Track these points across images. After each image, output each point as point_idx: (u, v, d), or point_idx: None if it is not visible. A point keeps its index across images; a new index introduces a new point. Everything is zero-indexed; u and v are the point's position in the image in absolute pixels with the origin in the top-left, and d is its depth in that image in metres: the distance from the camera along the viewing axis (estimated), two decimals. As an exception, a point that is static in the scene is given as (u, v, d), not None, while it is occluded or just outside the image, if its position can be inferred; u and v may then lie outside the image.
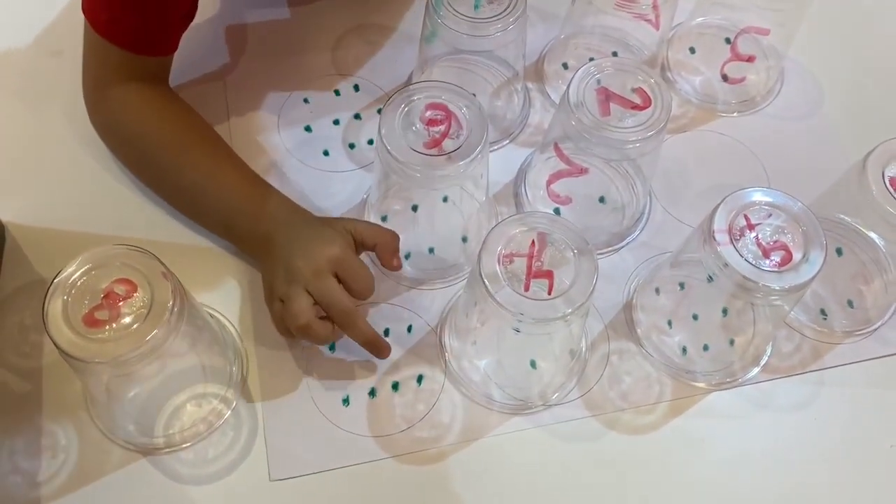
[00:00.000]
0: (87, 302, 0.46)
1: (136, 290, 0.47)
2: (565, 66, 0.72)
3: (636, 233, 0.65)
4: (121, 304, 0.46)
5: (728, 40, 0.71)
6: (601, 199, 0.65)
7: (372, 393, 0.57)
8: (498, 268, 0.49)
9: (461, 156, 0.53)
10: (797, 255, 0.50)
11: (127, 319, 0.46)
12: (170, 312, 0.46)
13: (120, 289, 0.47)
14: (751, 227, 0.51)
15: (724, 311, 0.59)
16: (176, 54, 0.63)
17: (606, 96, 0.55)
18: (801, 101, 0.72)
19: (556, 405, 0.57)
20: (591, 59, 0.70)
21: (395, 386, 0.57)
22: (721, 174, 0.68)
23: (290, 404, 0.56)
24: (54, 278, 0.47)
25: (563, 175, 0.59)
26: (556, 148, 0.58)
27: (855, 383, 0.59)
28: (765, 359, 0.60)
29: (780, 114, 0.71)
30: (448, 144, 0.54)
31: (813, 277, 0.49)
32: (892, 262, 0.62)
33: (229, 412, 0.56)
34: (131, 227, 0.62)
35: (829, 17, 0.76)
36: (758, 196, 0.52)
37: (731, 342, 0.60)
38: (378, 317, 0.60)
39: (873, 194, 0.53)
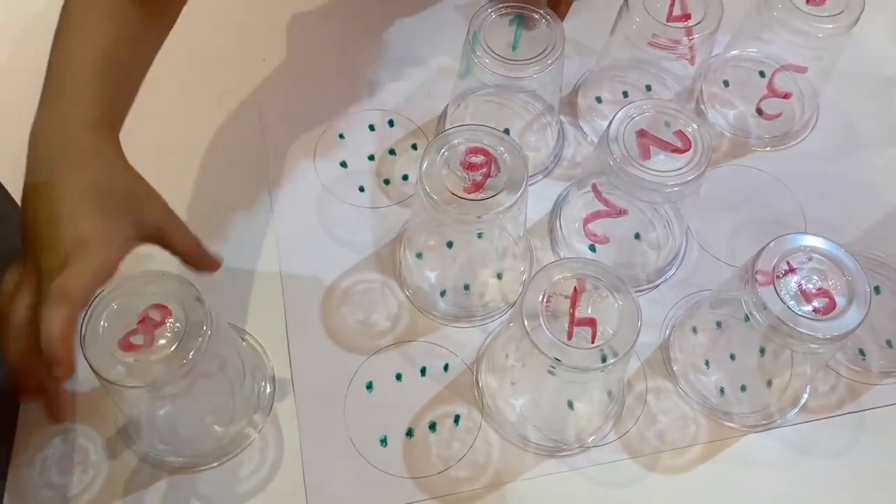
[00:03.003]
0: (122, 326, 0.47)
1: (170, 315, 0.48)
2: (599, 99, 0.72)
3: (672, 270, 0.65)
4: (155, 329, 0.47)
5: (762, 74, 0.71)
6: (637, 236, 0.65)
7: (409, 433, 0.57)
8: (542, 315, 0.49)
9: (502, 201, 0.53)
10: (841, 303, 0.50)
11: (162, 342, 0.47)
12: (203, 338, 0.47)
13: (155, 314, 0.48)
14: (792, 270, 0.51)
15: (762, 352, 0.58)
16: (213, 91, 0.62)
17: (646, 139, 0.55)
18: (837, 136, 0.71)
19: (592, 447, 0.57)
20: (625, 93, 0.72)
21: (433, 426, 0.58)
22: (757, 210, 0.67)
23: (329, 441, 0.57)
24: (91, 303, 0.47)
25: (601, 215, 0.59)
26: (595, 189, 0.58)
27: (894, 426, 0.59)
28: (803, 401, 0.59)
29: (816, 149, 0.70)
30: (489, 188, 0.54)
31: (853, 329, 0.49)
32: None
33: (256, 435, 0.57)
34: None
35: (866, 53, 0.75)
36: (804, 240, 0.52)
37: (769, 383, 0.59)
38: (415, 355, 0.60)
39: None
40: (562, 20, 0.75)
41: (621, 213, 0.58)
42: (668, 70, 0.70)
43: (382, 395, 0.58)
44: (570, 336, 0.49)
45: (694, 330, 0.61)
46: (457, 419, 0.58)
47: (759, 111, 0.71)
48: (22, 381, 0.46)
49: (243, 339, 0.59)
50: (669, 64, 0.69)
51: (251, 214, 0.65)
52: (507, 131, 0.68)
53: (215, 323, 0.49)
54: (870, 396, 0.60)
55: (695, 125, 0.55)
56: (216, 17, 0.75)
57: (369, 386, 0.58)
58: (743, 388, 0.59)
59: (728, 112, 0.72)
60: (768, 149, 0.71)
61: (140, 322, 0.48)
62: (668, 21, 0.61)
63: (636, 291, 0.63)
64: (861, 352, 0.61)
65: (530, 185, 0.68)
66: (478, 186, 0.53)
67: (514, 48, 0.60)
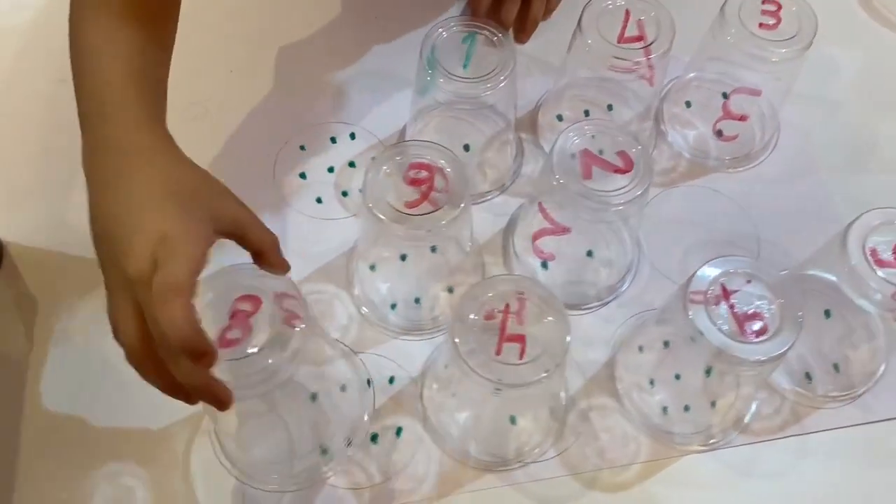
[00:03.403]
0: (215, 325, 0.45)
1: (260, 304, 0.47)
2: (559, 117, 0.73)
3: (623, 288, 0.65)
4: (249, 319, 0.46)
5: (725, 95, 0.71)
6: (589, 254, 0.65)
7: (349, 444, 0.58)
8: (470, 331, 0.50)
9: (443, 215, 0.54)
10: (773, 327, 0.50)
11: (259, 333, 0.46)
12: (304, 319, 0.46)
13: (245, 305, 0.47)
14: (726, 294, 0.51)
15: (708, 372, 0.59)
16: (180, 100, 0.63)
17: (589, 159, 0.56)
18: (796, 158, 0.72)
19: (531, 463, 0.58)
20: (586, 112, 0.73)
21: (374, 438, 0.58)
22: (711, 231, 0.68)
23: (268, 448, 0.57)
24: None
25: (546, 233, 0.60)
26: (541, 207, 0.59)
27: (835, 451, 0.59)
28: (745, 422, 0.60)
29: (774, 171, 0.71)
30: (431, 203, 0.54)
31: (782, 353, 0.49)
32: (881, 328, 0.62)
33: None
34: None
35: (824, 75, 0.76)
36: (738, 264, 0.52)
37: (713, 404, 0.60)
38: (361, 366, 0.61)
39: (852, 265, 0.53)
40: (526, 40, 0.76)
41: (565, 230, 0.58)
42: (629, 89, 0.70)
43: (327, 405, 0.59)
44: (498, 352, 0.49)
45: (641, 349, 0.61)
46: (399, 431, 0.58)
47: (719, 133, 0.71)
48: (174, 395, 0.44)
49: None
50: (630, 83, 0.69)
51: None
52: (466, 147, 0.70)
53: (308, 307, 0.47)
54: (813, 420, 0.60)
55: (638, 146, 0.56)
56: (183, 28, 0.76)
57: (313, 397, 0.59)
58: (686, 408, 0.60)
59: (688, 133, 0.72)
60: (728, 170, 0.71)
61: (232, 317, 0.46)
62: (619, 42, 0.62)
63: (586, 309, 0.64)
64: (808, 375, 0.62)
65: (487, 200, 0.69)
66: (419, 202, 0.54)
67: (464, 66, 0.61)
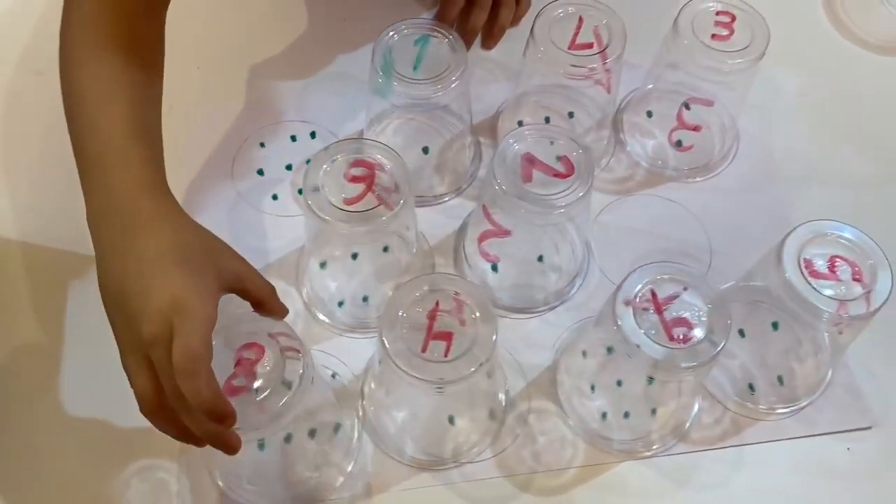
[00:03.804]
0: (221, 373, 0.46)
1: (263, 353, 0.49)
2: (520, 123, 0.73)
3: (571, 293, 0.65)
4: (253, 366, 0.48)
5: (687, 106, 0.72)
6: (540, 259, 0.65)
7: (288, 438, 0.58)
8: (398, 327, 0.50)
9: (382, 212, 0.54)
10: (699, 334, 0.50)
11: (260, 384, 0.48)
12: (298, 374, 0.48)
13: (249, 353, 0.49)
14: (656, 302, 0.51)
15: (650, 380, 0.59)
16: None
17: (531, 162, 0.56)
18: (754, 169, 0.72)
19: (467, 463, 0.58)
20: (547, 119, 0.73)
21: (312, 433, 0.58)
22: (663, 240, 0.68)
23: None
24: None
25: (490, 235, 0.60)
26: (484, 209, 0.59)
27: (774, 463, 0.59)
28: (684, 431, 0.59)
29: (730, 182, 0.71)
30: (370, 200, 0.55)
31: (706, 361, 0.49)
32: (827, 341, 0.62)
33: (341, 459, 0.57)
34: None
35: (781, 86, 0.76)
36: (668, 270, 0.52)
37: (653, 412, 0.60)
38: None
39: (786, 277, 0.53)
40: (494, 46, 0.77)
41: (506, 233, 0.59)
42: (588, 96, 0.71)
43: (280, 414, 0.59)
44: (424, 349, 0.49)
45: (584, 354, 0.62)
46: (337, 428, 0.59)
47: (678, 143, 0.72)
48: (186, 441, 0.47)
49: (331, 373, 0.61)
50: (589, 90, 0.70)
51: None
52: (425, 150, 0.70)
53: (306, 359, 0.49)
54: (753, 432, 0.60)
55: (579, 150, 0.56)
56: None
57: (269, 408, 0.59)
58: (626, 415, 0.60)
59: (647, 142, 0.72)
60: (687, 180, 0.71)
61: (237, 365, 0.48)
62: (571, 49, 0.62)
63: (533, 313, 0.65)
64: (751, 386, 0.61)
65: (443, 202, 0.70)
66: (359, 198, 0.55)
67: (414, 68, 0.61)
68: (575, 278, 0.65)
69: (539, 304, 0.65)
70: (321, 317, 0.63)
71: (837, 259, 0.53)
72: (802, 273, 0.53)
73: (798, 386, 0.61)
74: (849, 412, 0.61)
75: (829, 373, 0.62)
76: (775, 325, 0.63)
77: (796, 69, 0.78)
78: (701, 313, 0.51)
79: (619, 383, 0.60)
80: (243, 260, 0.52)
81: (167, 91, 0.73)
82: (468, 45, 0.77)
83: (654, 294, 0.51)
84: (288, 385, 0.48)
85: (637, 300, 0.51)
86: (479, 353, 0.50)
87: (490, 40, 0.77)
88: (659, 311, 0.51)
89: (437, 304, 0.51)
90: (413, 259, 0.65)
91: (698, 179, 0.71)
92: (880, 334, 0.63)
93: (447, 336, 0.50)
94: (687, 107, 0.71)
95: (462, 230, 0.68)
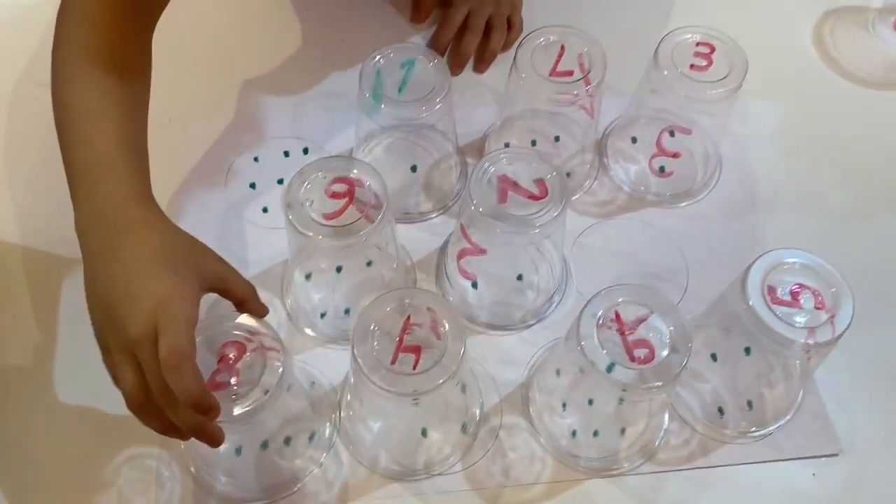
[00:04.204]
0: (205, 369, 0.49)
1: (245, 351, 0.52)
2: (507, 145, 0.75)
3: (548, 312, 0.67)
4: (235, 364, 0.51)
5: (672, 133, 0.73)
6: (519, 277, 0.67)
7: (264, 445, 0.60)
8: (370, 340, 0.52)
9: (357, 228, 0.56)
10: (660, 355, 0.52)
11: (240, 379, 0.51)
12: (278, 373, 0.51)
13: (231, 350, 0.52)
14: (620, 323, 0.53)
15: (621, 400, 0.60)
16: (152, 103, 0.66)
17: (506, 184, 0.58)
18: (735, 197, 0.73)
19: (438, 475, 0.59)
20: (533, 142, 0.75)
21: (288, 441, 0.60)
22: (642, 263, 0.69)
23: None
24: None
25: (466, 253, 0.62)
26: (462, 228, 0.61)
27: (739, 486, 0.60)
28: (652, 451, 0.61)
29: (711, 209, 0.72)
30: (348, 217, 0.57)
31: (668, 382, 0.50)
32: (798, 368, 0.63)
33: (315, 468, 0.59)
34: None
35: (771, 115, 0.78)
36: (636, 294, 0.54)
37: (623, 431, 0.61)
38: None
39: (750, 304, 0.54)
40: (485, 70, 0.79)
41: (482, 252, 0.60)
42: (573, 121, 0.72)
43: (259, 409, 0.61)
44: (393, 361, 0.51)
45: (558, 372, 0.63)
46: (312, 436, 0.60)
47: (661, 169, 0.73)
48: (171, 435, 0.50)
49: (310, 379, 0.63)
50: (574, 115, 0.71)
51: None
52: (413, 168, 0.72)
53: (287, 358, 0.52)
54: (720, 454, 0.61)
55: (553, 173, 0.58)
56: (155, 42, 0.81)
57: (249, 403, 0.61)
58: (596, 433, 0.61)
59: (630, 167, 0.74)
60: (668, 205, 0.73)
61: (220, 361, 0.51)
62: (551, 76, 0.64)
63: (510, 330, 0.66)
64: (720, 410, 0.62)
65: (429, 219, 0.72)
66: (338, 213, 0.57)
67: (399, 90, 0.63)
68: (552, 298, 0.67)
69: (516, 322, 0.66)
70: (303, 327, 0.65)
71: (800, 287, 0.54)
72: (765, 300, 0.54)
73: (767, 411, 0.62)
74: (816, 438, 0.62)
75: (799, 399, 0.63)
76: (748, 351, 0.64)
77: (784, 99, 0.79)
78: (664, 336, 0.52)
79: (590, 402, 0.61)
80: (224, 262, 0.55)
81: (167, 104, 0.76)
82: (460, 68, 0.80)
83: (618, 315, 0.53)
84: (267, 382, 0.50)
85: (601, 321, 0.52)
86: (447, 366, 0.51)
87: (482, 64, 0.79)
88: (622, 332, 0.52)
89: (408, 318, 0.53)
90: (395, 274, 0.66)
91: (680, 205, 0.73)
92: (850, 363, 0.64)
93: (416, 349, 0.52)
94: (671, 134, 0.73)
95: (444, 248, 0.69)
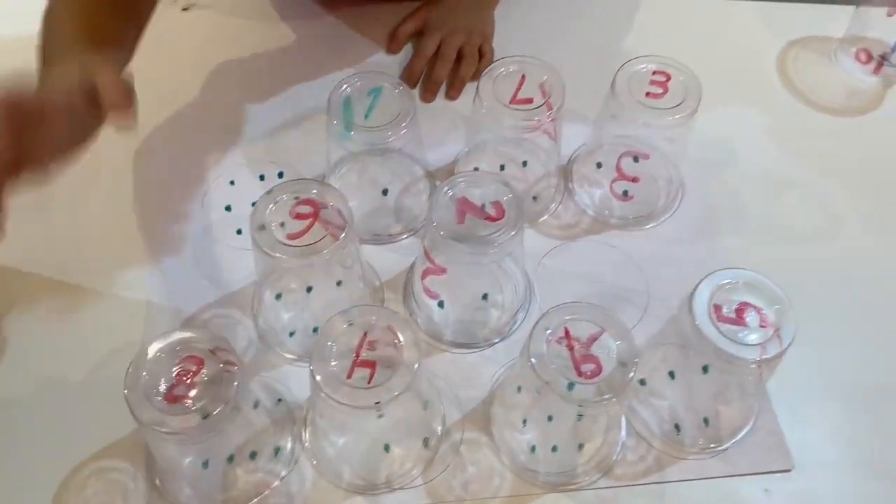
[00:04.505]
0: (163, 381, 0.52)
1: (202, 366, 0.53)
2: (476, 170, 0.77)
3: (512, 330, 0.69)
4: (193, 378, 0.53)
5: (636, 159, 0.76)
6: (484, 297, 0.69)
7: (230, 459, 0.61)
8: (327, 357, 0.54)
9: (320, 248, 0.58)
10: (607, 370, 0.53)
11: (198, 392, 0.52)
12: (234, 385, 0.53)
13: (189, 365, 0.53)
14: (569, 339, 0.54)
15: (580, 417, 0.61)
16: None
17: (464, 207, 0.60)
18: (696, 221, 0.75)
19: (399, 489, 0.61)
20: (502, 167, 0.77)
21: (253, 455, 0.62)
22: (603, 284, 0.71)
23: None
24: (131, 364, 0.53)
25: (429, 273, 0.64)
26: (424, 248, 0.63)
27: (693, 501, 0.61)
28: (609, 467, 0.62)
29: (673, 232, 0.74)
30: (315, 234, 0.59)
31: (613, 396, 0.52)
32: (754, 386, 0.65)
33: (277, 482, 0.61)
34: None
35: (734, 141, 0.80)
36: (586, 312, 0.56)
37: (581, 447, 0.62)
38: (253, 388, 0.65)
39: (696, 323, 0.56)
40: (456, 97, 0.82)
41: (442, 271, 0.62)
42: (540, 147, 0.75)
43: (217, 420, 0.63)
44: (349, 376, 0.53)
45: (518, 389, 0.65)
46: (277, 451, 0.62)
47: (625, 193, 0.75)
48: None
49: (268, 388, 0.65)
50: (539, 140, 0.74)
51: (132, 248, 0.72)
52: (385, 192, 0.75)
53: (243, 372, 0.54)
54: (676, 470, 0.62)
55: (510, 195, 0.61)
56: (141, 71, 0.84)
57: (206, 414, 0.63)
58: (554, 449, 0.62)
59: (595, 191, 0.76)
60: (631, 228, 0.75)
61: (178, 374, 0.53)
62: (511, 103, 0.67)
63: (475, 348, 0.68)
64: (677, 426, 0.64)
65: (399, 241, 0.74)
66: (302, 234, 0.59)
67: (366, 116, 0.66)
68: (516, 316, 0.69)
69: (480, 341, 0.68)
70: (273, 346, 0.67)
71: (744, 305, 0.56)
72: (711, 319, 0.56)
73: (723, 428, 0.64)
74: (770, 455, 0.63)
75: (754, 416, 0.65)
76: (705, 369, 0.65)
77: (747, 125, 0.82)
78: (612, 352, 0.54)
79: (549, 418, 0.63)
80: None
81: (147, 130, 0.79)
82: (433, 95, 0.83)
83: (567, 332, 0.55)
84: (224, 396, 0.52)
85: (550, 337, 0.54)
86: (402, 379, 0.53)
87: (452, 91, 0.82)
88: (570, 347, 0.54)
89: (365, 334, 0.55)
90: (364, 294, 0.68)
91: (643, 228, 0.75)
92: (804, 382, 0.66)
93: (372, 364, 0.54)
94: (636, 159, 0.75)
95: (412, 268, 0.71)
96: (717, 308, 0.56)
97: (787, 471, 0.62)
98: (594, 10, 0.92)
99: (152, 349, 0.53)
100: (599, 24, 0.91)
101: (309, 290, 0.68)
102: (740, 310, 0.56)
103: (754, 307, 0.56)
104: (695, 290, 0.57)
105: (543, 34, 0.89)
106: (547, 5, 0.92)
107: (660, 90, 0.67)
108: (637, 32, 0.90)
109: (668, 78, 0.68)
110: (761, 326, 0.56)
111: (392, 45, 0.86)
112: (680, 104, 0.67)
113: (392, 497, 0.61)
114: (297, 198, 0.60)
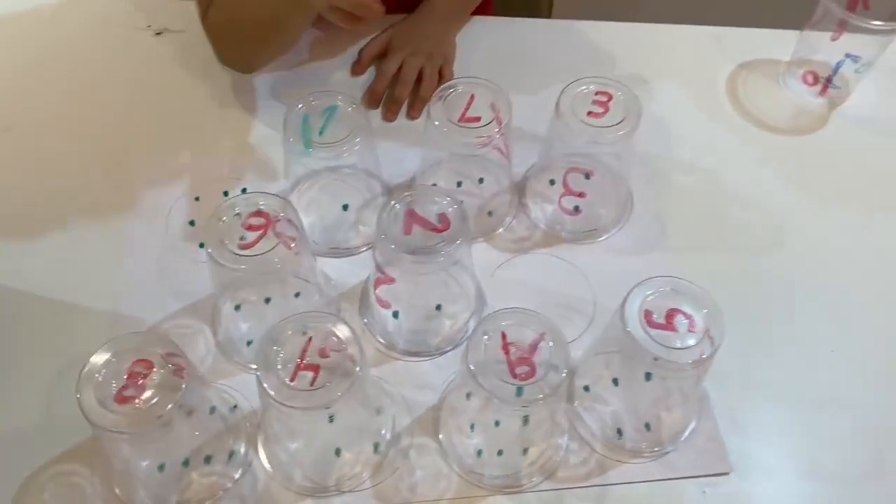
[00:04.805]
0: (114, 383, 0.55)
1: (153, 369, 0.56)
2: (434, 185, 0.80)
3: (463, 339, 0.71)
4: (143, 380, 0.55)
5: (587, 176, 0.79)
6: (438, 308, 0.72)
7: (186, 463, 0.63)
8: (272, 361, 0.56)
9: (268, 258, 0.61)
10: (540, 372, 0.56)
11: (148, 394, 0.55)
12: (182, 388, 0.55)
13: (140, 368, 0.56)
14: (505, 343, 0.57)
15: (526, 421, 0.64)
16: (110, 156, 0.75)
17: (412, 218, 0.63)
18: (643, 235, 0.78)
19: (347, 492, 0.63)
20: (459, 183, 0.80)
21: (208, 459, 0.64)
22: (552, 295, 0.74)
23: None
24: (84, 367, 0.56)
25: (380, 282, 0.66)
26: (375, 260, 0.66)
27: (634, 503, 0.63)
28: (552, 469, 0.64)
29: (620, 245, 0.77)
30: (266, 244, 0.62)
31: (545, 395, 0.55)
32: (694, 392, 0.67)
33: (230, 484, 0.63)
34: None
35: (683, 158, 0.83)
36: (523, 317, 0.58)
37: (525, 451, 0.64)
38: (209, 394, 0.67)
39: (628, 329, 0.58)
40: (417, 116, 0.85)
41: (391, 280, 0.65)
42: (493, 163, 0.78)
43: (175, 428, 0.65)
44: (292, 378, 0.55)
45: (468, 395, 0.67)
46: (231, 455, 0.64)
47: (576, 208, 0.78)
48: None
49: (224, 394, 0.67)
50: (493, 157, 0.77)
51: (99, 258, 0.75)
52: (345, 207, 0.78)
53: (191, 376, 0.56)
54: (617, 473, 0.64)
55: (455, 206, 0.63)
56: (111, 94, 0.88)
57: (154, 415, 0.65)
58: (500, 453, 0.64)
59: (547, 207, 0.79)
60: (581, 242, 0.77)
61: (128, 377, 0.55)
62: (459, 122, 0.70)
63: (426, 356, 0.70)
64: (619, 431, 0.66)
65: (358, 254, 0.76)
66: (254, 243, 0.62)
67: (320, 133, 0.69)
68: (467, 326, 0.71)
69: (432, 349, 0.70)
70: (231, 355, 0.69)
71: (674, 311, 0.59)
72: (642, 325, 0.58)
73: (664, 432, 0.66)
74: (708, 458, 0.65)
75: (694, 422, 0.67)
76: (648, 376, 0.68)
77: (697, 143, 0.85)
78: (546, 355, 0.57)
79: (496, 423, 0.65)
80: None
81: (118, 150, 0.82)
82: (394, 114, 0.86)
83: (504, 335, 0.57)
84: (171, 399, 0.55)
85: (488, 342, 0.57)
86: (345, 381, 0.55)
87: (413, 111, 0.86)
88: (506, 351, 0.57)
89: (309, 339, 0.57)
90: (321, 305, 0.71)
91: (592, 241, 0.78)
92: (743, 390, 0.69)
93: (316, 368, 0.56)
94: (587, 176, 0.78)
95: (367, 280, 0.74)
96: (648, 314, 0.59)
97: (725, 474, 0.64)
98: (548, 35, 0.95)
99: (105, 352, 0.55)
100: (553, 49, 0.94)
101: (267, 301, 0.70)
102: (670, 315, 0.59)
103: (683, 312, 0.59)
104: (626, 298, 0.60)
105: (496, 58, 0.93)
106: (502, 31, 0.96)
107: (601, 109, 0.71)
108: (591, 56, 0.93)
109: (610, 98, 0.71)
110: (690, 331, 0.58)
111: (357, 68, 0.89)
112: (621, 122, 0.70)
113: (340, 499, 0.63)
114: (249, 210, 0.63)
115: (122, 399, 0.54)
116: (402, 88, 0.85)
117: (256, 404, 0.67)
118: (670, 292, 0.60)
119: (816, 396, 0.69)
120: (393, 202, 0.64)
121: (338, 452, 0.64)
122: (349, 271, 0.75)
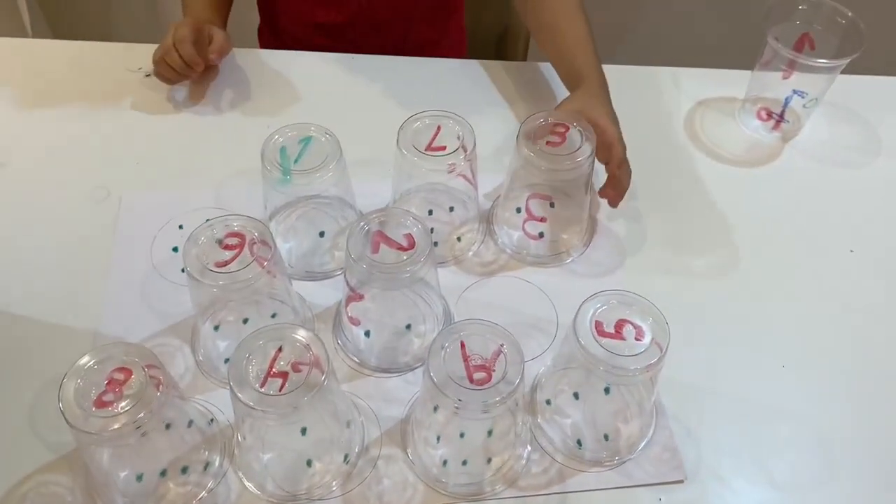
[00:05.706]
0: (94, 389, 0.58)
1: (131, 376, 0.59)
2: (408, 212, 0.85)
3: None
4: (121, 387, 0.58)
5: (552, 205, 0.83)
6: (408, 327, 0.75)
7: (163, 473, 0.66)
8: (243, 368, 0.59)
9: (242, 275, 0.65)
10: (496, 377, 0.59)
11: (124, 402, 0.57)
12: (157, 395, 0.58)
13: (119, 375, 0.59)
14: (464, 352, 0.61)
15: (490, 433, 0.67)
16: (88, 184, 0.78)
17: (379, 238, 0.67)
18: (605, 259, 0.82)
19: (318, 500, 0.65)
20: (430, 212, 0.85)
21: (185, 469, 0.66)
22: (517, 314, 0.78)
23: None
24: (66, 373, 0.59)
25: (350, 300, 0.70)
26: (345, 277, 0.69)
27: (592, 509, 0.66)
28: (514, 478, 0.67)
29: (583, 268, 0.81)
30: (242, 261, 0.66)
31: (500, 400, 0.58)
32: (651, 405, 0.70)
33: (205, 493, 0.65)
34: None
35: (641, 186, 0.88)
36: (481, 329, 0.62)
37: (489, 460, 0.67)
38: (188, 409, 0.70)
39: (581, 343, 0.62)
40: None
41: (361, 297, 0.69)
42: (462, 192, 0.82)
43: (153, 439, 0.68)
44: (262, 384, 0.59)
45: (435, 408, 0.70)
46: (207, 465, 0.67)
47: (540, 234, 0.83)
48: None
49: (201, 407, 0.70)
50: (459, 185, 0.81)
51: (86, 281, 0.78)
52: (322, 233, 0.82)
53: (168, 386, 0.59)
54: (577, 481, 0.67)
55: (419, 227, 0.68)
56: (96, 123, 0.93)
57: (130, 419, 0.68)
58: (464, 463, 0.67)
59: (514, 233, 0.83)
60: (546, 266, 0.82)
61: (108, 383, 0.58)
62: (426, 150, 0.75)
63: (396, 372, 0.74)
64: (579, 442, 0.69)
65: (333, 277, 0.80)
66: (229, 262, 0.66)
67: (295, 161, 0.74)
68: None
69: (402, 366, 0.74)
70: (209, 372, 0.73)
71: (622, 321, 0.63)
72: (592, 334, 0.62)
73: (622, 442, 0.69)
74: (664, 467, 0.68)
75: (651, 432, 0.70)
76: (607, 391, 0.71)
77: (655, 173, 0.90)
78: (505, 364, 0.60)
79: (461, 435, 0.68)
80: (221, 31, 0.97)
81: (105, 182, 0.87)
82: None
83: (462, 345, 0.61)
84: (149, 403, 0.58)
85: (446, 351, 0.60)
86: (309, 388, 0.58)
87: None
88: (465, 359, 0.60)
89: (279, 349, 0.60)
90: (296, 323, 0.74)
91: (556, 265, 0.82)
92: (698, 400, 0.72)
93: (284, 375, 0.59)
94: (552, 205, 0.83)
95: (341, 302, 0.78)
96: (599, 324, 0.62)
97: (680, 482, 0.67)
98: (518, 75, 1.01)
99: (85, 359, 0.59)
100: (521, 89, 1.00)
101: (245, 321, 0.74)
102: (619, 325, 0.62)
103: (631, 323, 0.63)
104: (578, 310, 0.64)
105: (464, 96, 0.98)
106: (472, 71, 1.02)
107: (558, 139, 0.76)
108: (559, 94, 0.99)
109: (567, 129, 0.76)
110: (637, 339, 0.62)
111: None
112: (577, 150, 0.75)
113: (312, 508, 0.65)
114: (225, 231, 0.67)
115: (100, 404, 0.57)
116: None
117: (233, 418, 0.70)
118: (618, 304, 0.64)
119: (767, 408, 0.72)
120: (362, 223, 0.68)
121: (309, 463, 0.67)
122: (324, 294, 0.79)
